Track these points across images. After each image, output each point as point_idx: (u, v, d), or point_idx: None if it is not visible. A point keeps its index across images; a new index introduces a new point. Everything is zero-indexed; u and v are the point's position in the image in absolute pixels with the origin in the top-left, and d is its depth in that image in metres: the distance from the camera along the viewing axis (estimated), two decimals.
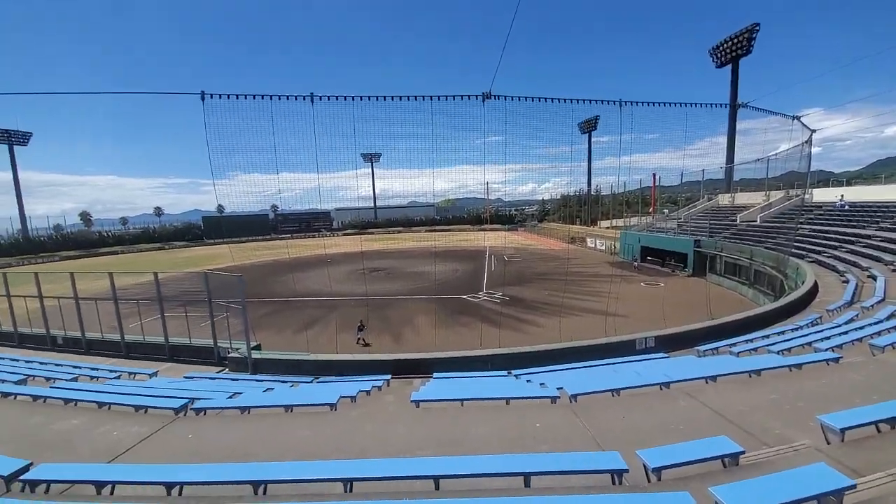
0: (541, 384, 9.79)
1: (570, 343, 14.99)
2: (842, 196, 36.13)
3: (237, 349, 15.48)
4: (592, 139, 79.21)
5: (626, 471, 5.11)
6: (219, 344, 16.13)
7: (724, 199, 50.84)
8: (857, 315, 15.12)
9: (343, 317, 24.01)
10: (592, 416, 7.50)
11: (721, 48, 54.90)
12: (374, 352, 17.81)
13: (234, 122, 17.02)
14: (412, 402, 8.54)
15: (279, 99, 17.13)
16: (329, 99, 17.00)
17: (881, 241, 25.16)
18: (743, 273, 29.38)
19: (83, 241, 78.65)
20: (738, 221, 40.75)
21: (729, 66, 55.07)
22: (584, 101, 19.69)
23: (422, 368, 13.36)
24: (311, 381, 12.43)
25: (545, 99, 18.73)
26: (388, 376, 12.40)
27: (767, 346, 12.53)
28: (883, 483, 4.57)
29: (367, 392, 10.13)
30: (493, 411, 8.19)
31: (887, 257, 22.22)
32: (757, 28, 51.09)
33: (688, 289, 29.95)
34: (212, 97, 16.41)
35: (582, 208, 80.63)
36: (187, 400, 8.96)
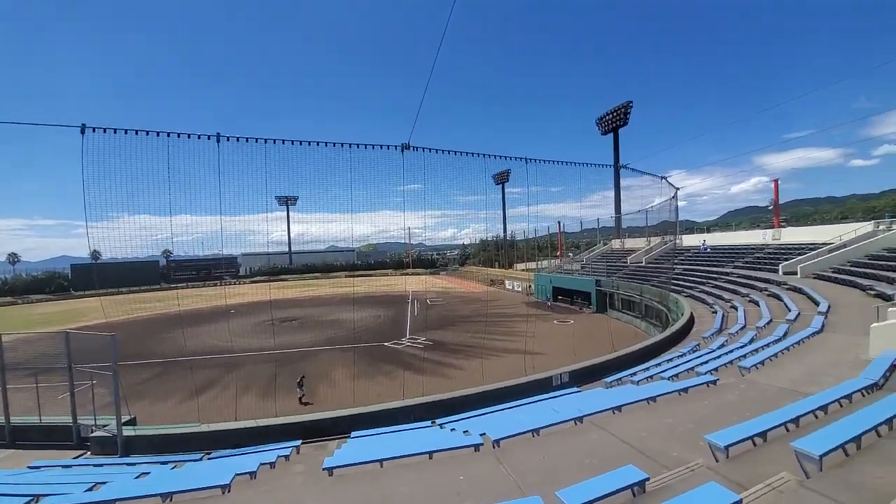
0: (464, 431, 9.50)
1: (492, 386, 15.04)
2: (704, 241, 43.60)
3: (104, 426, 12.63)
4: (506, 190, 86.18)
5: None
6: (80, 421, 13.04)
7: (616, 244, 57.97)
8: (726, 340, 17.68)
9: (246, 376, 21.34)
10: (515, 459, 7.40)
11: (603, 119, 65.15)
12: (283, 413, 15.87)
13: (122, 158, 15.07)
14: (325, 469, 7.61)
15: (178, 137, 15.71)
16: (238, 140, 16.06)
17: (737, 276, 30.49)
18: (636, 308, 33.06)
19: None
20: (628, 263, 46.48)
21: (611, 134, 65.29)
22: (495, 156, 21.44)
23: (337, 428, 12.18)
24: (201, 459, 10.51)
25: (461, 153, 19.98)
26: (298, 442, 11.05)
27: (660, 373, 13.92)
28: (762, 494, 5.10)
29: (271, 464, 8.82)
30: (417, 468, 7.65)
31: (743, 290, 26.84)
32: (630, 105, 61.92)
33: (594, 324, 32.61)
34: (94, 131, 14.46)
35: (499, 252, 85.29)
36: (30, 498, 6.92)
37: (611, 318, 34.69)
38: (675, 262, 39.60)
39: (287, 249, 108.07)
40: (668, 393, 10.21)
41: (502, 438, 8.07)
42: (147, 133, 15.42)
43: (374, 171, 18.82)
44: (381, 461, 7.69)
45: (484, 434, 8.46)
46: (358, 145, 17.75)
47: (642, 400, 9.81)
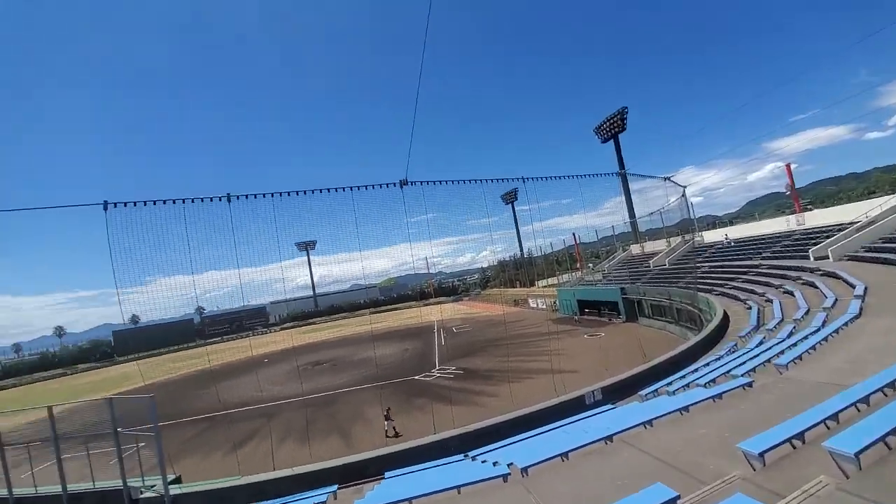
0: (494, 463, 9.40)
1: (521, 411, 14.74)
2: (726, 235, 42.21)
3: (151, 486, 13.05)
4: (516, 208, 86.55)
5: None
6: (129, 483, 13.50)
7: (636, 249, 56.70)
8: (764, 337, 16.88)
9: (282, 424, 21.65)
10: (543, 487, 7.30)
11: (601, 128, 65.45)
12: (321, 458, 15.99)
13: (145, 227, 16.35)
14: None
15: (192, 202, 16.92)
16: (248, 197, 17.26)
17: (767, 268, 29.26)
18: (667, 313, 31.97)
19: None
20: (651, 267, 45.29)
21: (612, 142, 65.37)
22: (493, 180, 22.07)
23: (371, 470, 12.20)
24: None
25: (459, 181, 20.64)
26: (335, 487, 11.12)
27: (696, 379, 13.40)
28: (799, 503, 4.91)
29: None
30: None
31: (775, 282, 25.67)
32: (626, 110, 62.17)
33: (625, 334, 31.65)
34: (115, 206, 15.71)
35: (519, 271, 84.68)
36: None
37: (642, 326, 33.64)
38: (698, 260, 38.40)
39: (311, 293, 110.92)
40: (701, 401, 9.86)
41: (529, 466, 7.97)
42: (164, 202, 16.65)
43: (380, 208, 19.82)
44: (410, 500, 7.72)
45: (511, 464, 8.38)
46: (359, 187, 18.73)
47: (674, 411, 9.51)
